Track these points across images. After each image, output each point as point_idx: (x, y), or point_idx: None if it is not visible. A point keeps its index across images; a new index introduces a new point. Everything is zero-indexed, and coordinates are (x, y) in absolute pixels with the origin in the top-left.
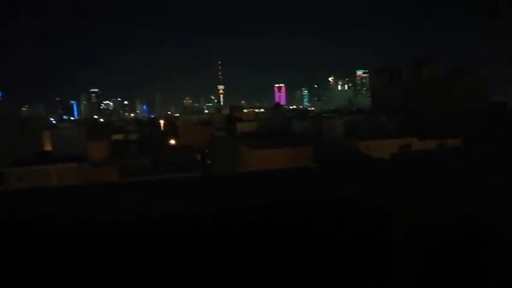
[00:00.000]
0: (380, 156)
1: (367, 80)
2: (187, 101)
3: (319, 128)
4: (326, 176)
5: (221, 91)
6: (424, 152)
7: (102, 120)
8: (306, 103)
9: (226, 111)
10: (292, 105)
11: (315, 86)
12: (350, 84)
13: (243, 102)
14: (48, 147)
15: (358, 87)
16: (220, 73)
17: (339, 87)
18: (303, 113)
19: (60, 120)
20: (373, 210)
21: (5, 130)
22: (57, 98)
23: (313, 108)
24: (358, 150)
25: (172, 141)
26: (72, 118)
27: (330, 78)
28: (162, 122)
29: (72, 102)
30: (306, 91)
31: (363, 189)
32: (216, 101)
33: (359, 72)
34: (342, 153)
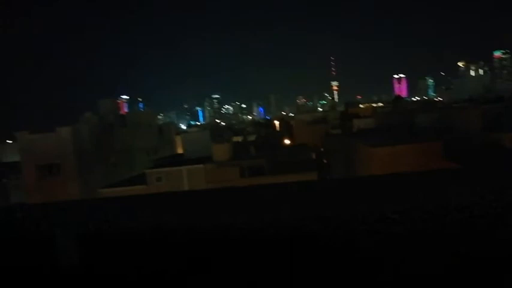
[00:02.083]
0: None
1: (508, 61)
2: (301, 100)
3: (449, 120)
4: (469, 177)
5: (335, 88)
6: None
7: (223, 123)
8: (431, 93)
9: (341, 108)
10: (414, 97)
11: (442, 73)
12: (486, 68)
13: (358, 97)
14: (180, 150)
15: (496, 71)
16: (333, 69)
17: (472, 73)
18: (429, 104)
19: (188, 125)
20: None
21: (147, 136)
22: (185, 106)
23: (440, 99)
24: (500, 145)
25: (287, 141)
26: (198, 123)
27: (460, 63)
28: (277, 122)
29: (198, 108)
30: (430, 80)
31: None
32: (330, 98)
33: (497, 54)
34: (479, 149)
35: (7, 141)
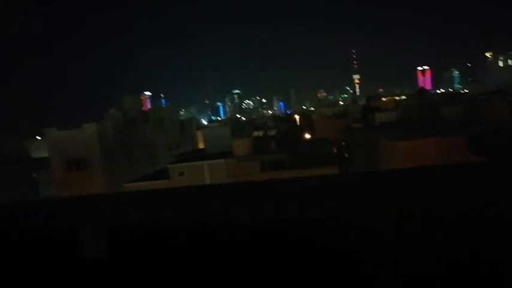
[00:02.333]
0: None
1: None
2: (322, 94)
3: (476, 113)
4: (495, 171)
5: (357, 81)
6: None
7: (243, 118)
8: (457, 85)
9: (363, 102)
10: (439, 89)
11: (468, 64)
12: None
13: (380, 90)
14: (201, 145)
15: None
16: (355, 62)
17: (500, 63)
18: (454, 96)
19: (209, 120)
20: None
21: (169, 131)
22: (206, 101)
23: (466, 91)
24: None
25: (308, 135)
26: (219, 118)
27: (487, 54)
28: (297, 117)
29: (218, 103)
30: (456, 72)
31: None
32: (351, 91)
33: None
34: (507, 143)
35: (36, 137)
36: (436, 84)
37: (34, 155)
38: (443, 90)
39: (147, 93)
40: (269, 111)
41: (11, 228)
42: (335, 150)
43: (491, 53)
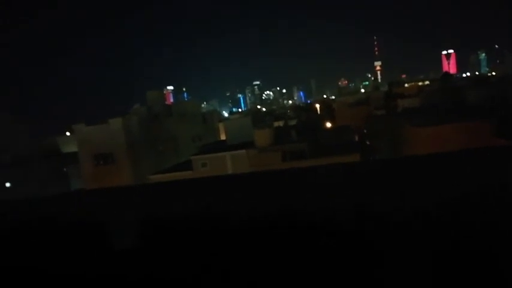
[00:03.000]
0: None
1: None
2: (343, 82)
3: (504, 96)
4: None
5: (378, 68)
6: None
7: (264, 109)
8: (484, 69)
9: (384, 89)
10: (466, 73)
11: (496, 46)
12: None
13: (403, 76)
14: (223, 137)
15: None
16: (376, 49)
17: None
18: (480, 80)
19: (230, 112)
20: None
21: (192, 124)
22: (227, 94)
23: (493, 74)
24: None
25: (329, 124)
26: (240, 110)
27: None
28: (317, 106)
29: (239, 95)
30: (483, 54)
31: None
32: (372, 78)
33: None
34: None
35: (66, 133)
36: (462, 68)
37: (64, 150)
38: (469, 74)
39: (170, 87)
40: (289, 101)
41: (40, 221)
42: (356, 138)
43: None
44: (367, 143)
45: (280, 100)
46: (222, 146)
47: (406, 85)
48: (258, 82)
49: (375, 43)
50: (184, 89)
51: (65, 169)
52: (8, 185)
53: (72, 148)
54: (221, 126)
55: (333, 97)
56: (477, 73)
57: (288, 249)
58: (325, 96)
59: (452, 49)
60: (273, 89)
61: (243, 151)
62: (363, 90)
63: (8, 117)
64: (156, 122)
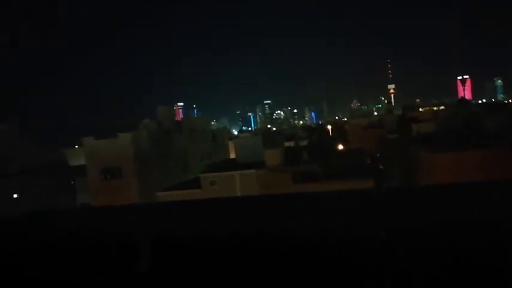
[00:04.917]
0: None
1: None
2: (355, 104)
3: None
4: None
5: (392, 91)
6: None
7: (274, 128)
8: (500, 96)
9: (398, 112)
10: (481, 100)
11: None
12: None
13: (417, 101)
14: (232, 155)
15: None
16: (390, 71)
17: None
18: (496, 107)
19: (240, 131)
20: None
21: (201, 141)
22: (237, 112)
23: (510, 101)
24: None
25: (341, 146)
26: (249, 128)
27: None
28: (329, 127)
29: (250, 114)
30: (499, 81)
31: None
32: (386, 101)
33: None
34: None
35: (74, 146)
36: (477, 94)
37: (72, 163)
38: (485, 100)
39: (180, 103)
40: (300, 121)
41: (49, 239)
42: (369, 162)
43: None
44: (381, 167)
45: (291, 120)
46: (231, 165)
47: (420, 109)
48: (269, 101)
49: (388, 66)
50: (194, 106)
51: (72, 182)
52: (15, 196)
53: (80, 161)
54: (231, 144)
55: (345, 119)
56: (493, 100)
57: (298, 273)
58: (337, 117)
59: (468, 75)
60: (284, 109)
61: (253, 171)
62: (375, 113)
63: (17, 128)
64: (166, 137)
